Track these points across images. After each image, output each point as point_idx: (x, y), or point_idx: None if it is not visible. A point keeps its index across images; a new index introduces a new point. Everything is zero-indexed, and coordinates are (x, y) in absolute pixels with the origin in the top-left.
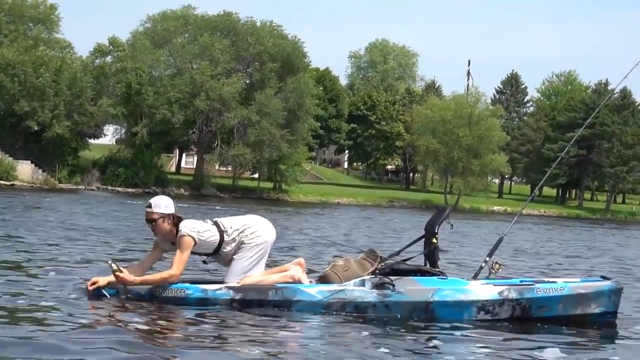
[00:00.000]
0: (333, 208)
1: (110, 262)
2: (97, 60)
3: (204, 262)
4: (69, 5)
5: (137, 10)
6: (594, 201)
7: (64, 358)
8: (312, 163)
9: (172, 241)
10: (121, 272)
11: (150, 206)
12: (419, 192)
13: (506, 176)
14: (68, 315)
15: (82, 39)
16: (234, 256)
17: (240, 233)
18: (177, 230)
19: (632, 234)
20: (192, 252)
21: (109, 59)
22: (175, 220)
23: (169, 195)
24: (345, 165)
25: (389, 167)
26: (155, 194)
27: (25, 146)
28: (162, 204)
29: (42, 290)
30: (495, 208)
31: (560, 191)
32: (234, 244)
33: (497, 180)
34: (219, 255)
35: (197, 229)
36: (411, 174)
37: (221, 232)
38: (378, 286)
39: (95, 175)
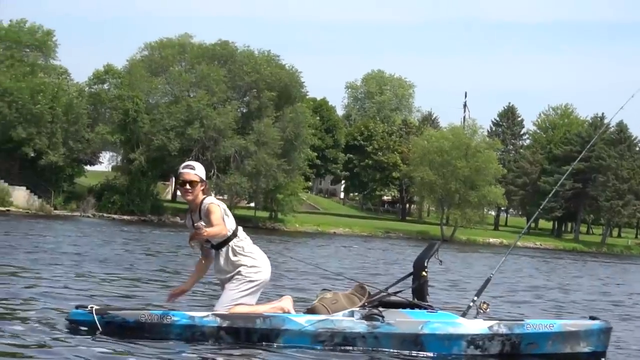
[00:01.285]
0: (329, 238)
1: (200, 223)
2: (94, 87)
3: (192, 246)
4: (66, 32)
5: (135, 38)
6: (590, 234)
7: None
8: (309, 193)
9: (193, 210)
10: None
11: (193, 168)
12: (415, 223)
13: (502, 208)
14: (49, 347)
15: (79, 66)
16: (227, 285)
17: (243, 257)
18: (202, 202)
19: (627, 269)
20: None
21: (105, 86)
22: (206, 188)
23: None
24: (342, 195)
25: (385, 197)
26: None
27: (21, 172)
28: (203, 170)
29: (26, 320)
30: (491, 240)
31: (556, 224)
32: (233, 257)
33: (493, 213)
34: (217, 253)
35: (223, 206)
36: (407, 205)
37: (234, 233)
38: (367, 317)
39: (90, 202)
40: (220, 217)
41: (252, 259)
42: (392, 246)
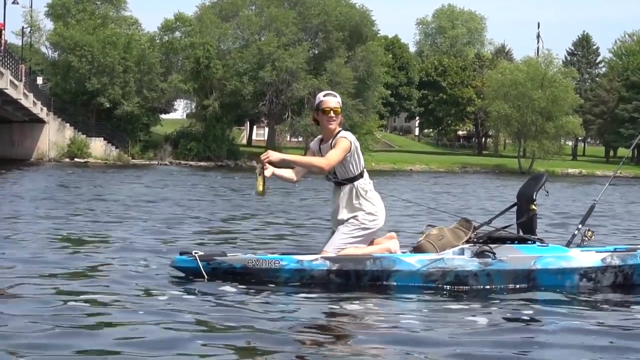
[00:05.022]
0: (407, 175)
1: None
2: (165, 37)
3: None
4: None
5: None
6: None
7: (152, 338)
8: (383, 131)
9: (326, 139)
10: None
11: (335, 96)
12: (492, 157)
13: (580, 138)
14: (154, 295)
15: (149, 16)
16: (340, 227)
17: (364, 201)
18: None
19: None
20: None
21: (177, 34)
22: (341, 120)
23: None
24: (417, 132)
25: (460, 132)
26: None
27: (98, 123)
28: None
29: (127, 269)
30: (570, 170)
31: (636, 152)
32: (354, 199)
33: (570, 143)
34: (339, 189)
35: (356, 143)
36: (483, 139)
37: (361, 174)
38: (478, 254)
39: (167, 150)
40: (342, 153)
41: (372, 205)
42: (472, 181)
